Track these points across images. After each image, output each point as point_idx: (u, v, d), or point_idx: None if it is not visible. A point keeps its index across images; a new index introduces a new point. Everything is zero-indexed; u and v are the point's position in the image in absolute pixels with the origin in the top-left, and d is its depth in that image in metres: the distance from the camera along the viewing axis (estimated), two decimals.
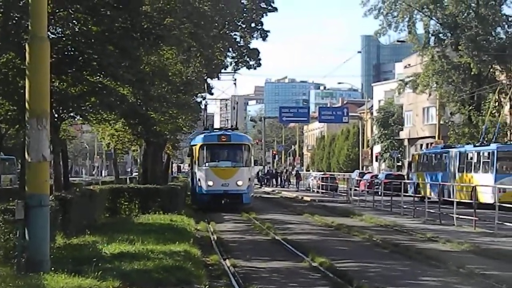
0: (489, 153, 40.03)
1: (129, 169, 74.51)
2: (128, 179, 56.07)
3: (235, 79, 45.32)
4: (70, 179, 40.99)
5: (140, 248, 16.94)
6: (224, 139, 37.59)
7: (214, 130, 42.82)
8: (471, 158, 42.21)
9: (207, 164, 36.90)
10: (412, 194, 41.55)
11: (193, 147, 39.72)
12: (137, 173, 52.38)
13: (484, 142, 42.78)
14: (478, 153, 41.53)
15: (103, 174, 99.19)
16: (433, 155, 50.24)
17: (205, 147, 37.50)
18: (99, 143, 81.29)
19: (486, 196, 33.26)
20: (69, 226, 18.87)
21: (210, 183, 35.94)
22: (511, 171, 38.34)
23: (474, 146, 43.34)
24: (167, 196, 31.90)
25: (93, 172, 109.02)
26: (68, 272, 13.04)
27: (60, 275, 12.81)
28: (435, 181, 43.66)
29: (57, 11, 18.27)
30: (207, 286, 13.28)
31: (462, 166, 42.86)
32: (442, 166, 46.19)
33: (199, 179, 36.65)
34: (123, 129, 40.30)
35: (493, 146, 40.62)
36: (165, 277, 13.33)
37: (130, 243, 17.74)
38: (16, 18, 18.07)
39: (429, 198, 37.92)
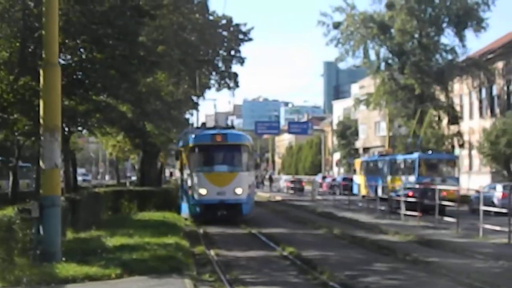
0: (412, 160, 41.95)
1: (128, 174, 74.17)
2: (128, 183, 55.71)
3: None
4: (78, 183, 40.76)
5: (138, 241, 16.86)
6: (219, 139, 27.01)
7: (207, 129, 30.23)
8: (400, 164, 44.24)
9: (199, 168, 26.59)
10: (356, 193, 42.85)
11: (182, 149, 29.12)
12: (135, 178, 52.06)
13: (421, 151, 44.14)
14: (405, 160, 43.52)
15: (106, 178, 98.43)
16: (371, 162, 51.38)
17: (196, 149, 27.04)
18: (103, 152, 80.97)
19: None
20: (77, 222, 18.77)
21: (203, 191, 25.90)
22: (429, 174, 39.73)
23: (402, 155, 45.15)
24: (161, 196, 31.81)
25: (98, 177, 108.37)
26: (77, 261, 13.00)
27: (70, 264, 12.75)
28: (373, 183, 44.63)
29: (66, 41, 18.21)
30: (195, 273, 13.26)
31: (393, 171, 44.77)
32: (378, 170, 47.74)
33: (189, 187, 26.63)
34: (124, 140, 40.25)
35: (415, 154, 42.25)
36: (159, 265, 13.26)
37: (130, 236, 17.65)
38: (32, 47, 17.99)
39: (367, 196, 39.02)
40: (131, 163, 66.50)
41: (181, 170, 30.05)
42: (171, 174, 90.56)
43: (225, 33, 42.22)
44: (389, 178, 44.01)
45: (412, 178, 39.68)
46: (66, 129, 25.88)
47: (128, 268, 12.74)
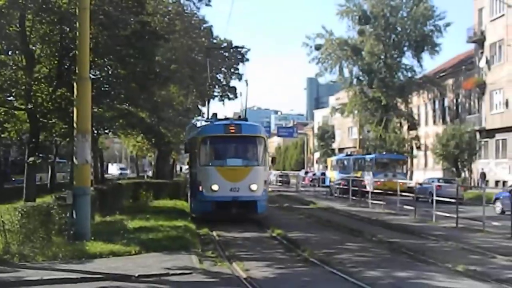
0: (370, 159, 43.79)
1: (146, 169, 73.72)
2: (145, 176, 55.56)
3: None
4: (105, 176, 40.67)
5: (153, 224, 16.84)
6: (233, 130, 20.05)
7: (218, 120, 22.50)
8: (361, 162, 45.48)
9: (211, 162, 20.00)
10: (328, 185, 44.00)
11: (193, 141, 21.75)
12: (152, 172, 51.95)
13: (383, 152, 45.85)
14: (365, 159, 45.00)
15: (128, 172, 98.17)
16: (340, 160, 51.94)
17: (208, 141, 20.29)
18: (125, 150, 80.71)
19: (368, 186, 33.85)
20: (104, 208, 18.74)
21: (215, 187, 19.39)
22: (382, 171, 41.16)
23: (362, 155, 47.46)
24: (173, 188, 31.76)
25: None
26: (103, 240, 12.96)
27: (98, 243, 12.73)
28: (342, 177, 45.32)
29: (96, 59, 18.19)
30: (200, 250, 13.24)
31: (356, 167, 45.90)
32: (346, 167, 48.62)
33: (200, 182, 19.84)
34: (142, 141, 40.16)
35: (372, 155, 44.82)
36: (171, 244, 13.25)
37: (147, 220, 17.63)
38: (67, 64, 17.98)
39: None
40: (148, 159, 66.25)
41: (190, 163, 23.17)
42: (181, 169, 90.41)
43: (226, 54, 42.21)
44: (353, 173, 44.40)
45: (369, 173, 40.33)
46: (95, 131, 25.83)
47: (145, 246, 12.74)
